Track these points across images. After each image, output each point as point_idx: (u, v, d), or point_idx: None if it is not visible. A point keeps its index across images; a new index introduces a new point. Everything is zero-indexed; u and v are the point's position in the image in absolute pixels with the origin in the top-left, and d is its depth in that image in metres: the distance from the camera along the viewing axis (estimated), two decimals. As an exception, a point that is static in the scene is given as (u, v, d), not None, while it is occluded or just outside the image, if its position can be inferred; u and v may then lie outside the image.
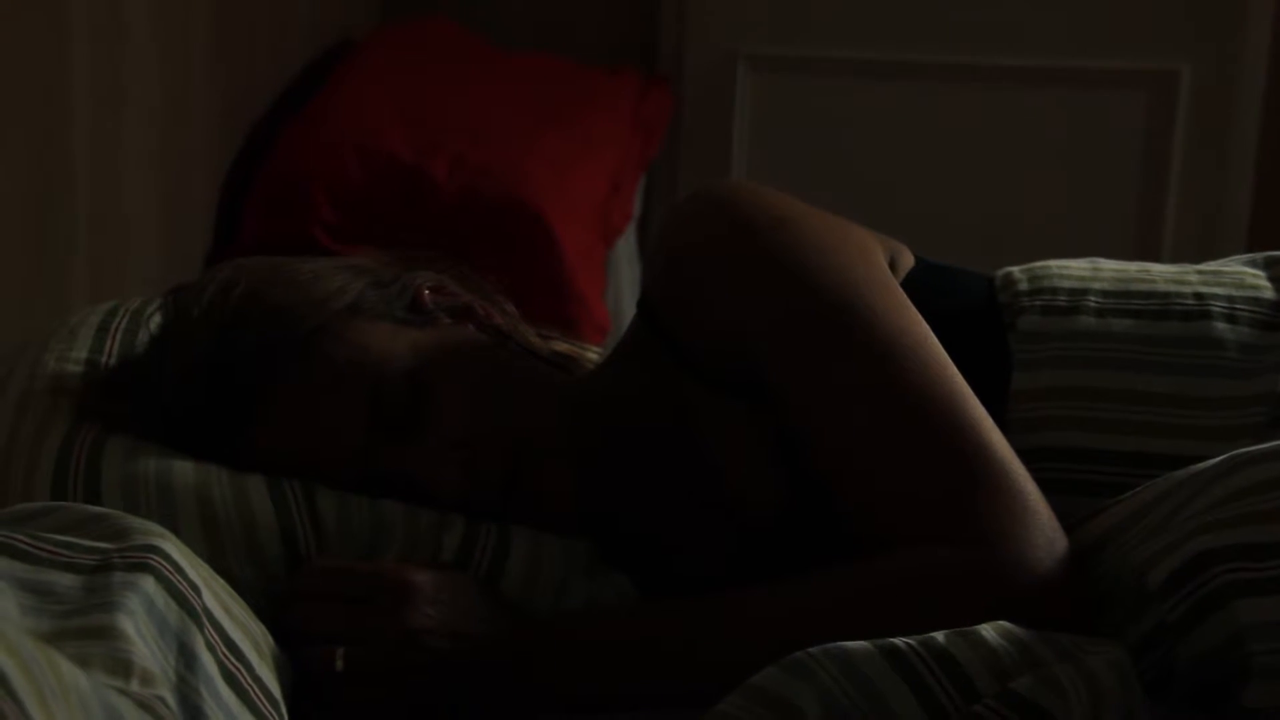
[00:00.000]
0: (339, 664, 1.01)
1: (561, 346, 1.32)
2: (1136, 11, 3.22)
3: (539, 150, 2.71)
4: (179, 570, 0.95)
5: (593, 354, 1.36)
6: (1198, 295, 1.19)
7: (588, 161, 2.77)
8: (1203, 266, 1.25)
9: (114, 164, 2.24)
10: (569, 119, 2.87)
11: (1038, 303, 1.19)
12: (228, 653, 0.94)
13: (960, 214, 3.29)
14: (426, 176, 2.59)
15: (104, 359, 1.24)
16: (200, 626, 0.92)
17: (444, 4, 3.28)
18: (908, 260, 1.22)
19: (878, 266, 1.15)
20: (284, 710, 0.97)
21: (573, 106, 2.92)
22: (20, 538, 0.95)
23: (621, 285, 2.87)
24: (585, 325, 2.51)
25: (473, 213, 2.55)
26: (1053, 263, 1.24)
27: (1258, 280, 1.21)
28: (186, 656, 0.89)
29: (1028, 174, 3.31)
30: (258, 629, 1.00)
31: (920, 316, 1.12)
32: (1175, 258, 3.15)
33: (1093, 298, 1.19)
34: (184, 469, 1.10)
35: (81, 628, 0.87)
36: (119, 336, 1.27)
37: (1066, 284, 1.21)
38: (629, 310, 1.23)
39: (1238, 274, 1.22)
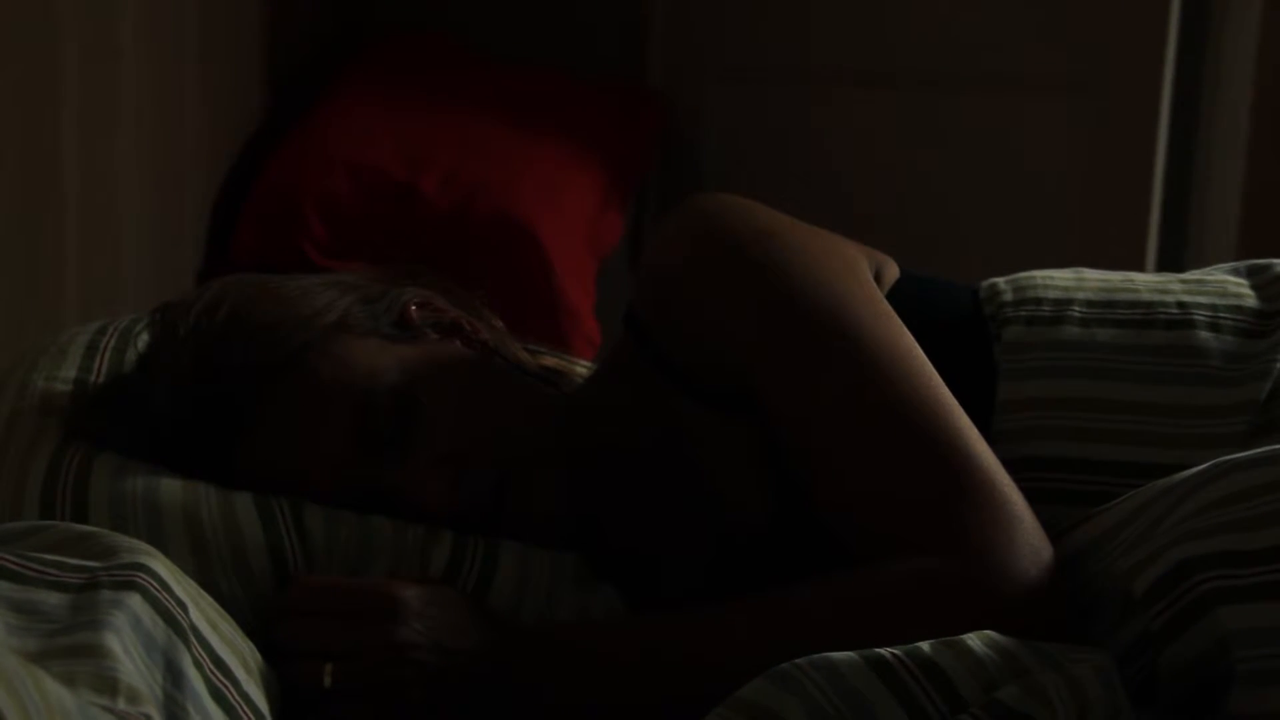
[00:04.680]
0: (327, 680, 1.01)
1: (549, 361, 1.33)
2: (1103, 17, 3.21)
3: (529, 165, 2.71)
4: (166, 588, 0.95)
5: (581, 368, 1.36)
6: (1181, 304, 1.20)
7: (578, 176, 2.78)
8: (1186, 275, 1.25)
9: (105, 182, 2.24)
10: (560, 133, 2.87)
11: (1022, 313, 1.20)
12: (215, 670, 0.94)
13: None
14: (417, 192, 2.59)
15: (93, 378, 1.24)
16: (187, 644, 0.92)
17: (435, 18, 3.28)
18: (893, 272, 1.23)
19: (862, 279, 1.16)
20: (272, 727, 0.97)
21: (563, 121, 2.92)
22: (7, 557, 0.95)
23: (613, 299, 2.87)
24: (576, 339, 2.51)
25: (464, 228, 2.55)
26: (1037, 273, 1.25)
27: (1240, 289, 1.22)
28: (174, 674, 0.90)
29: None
30: (245, 646, 1.00)
31: (905, 328, 1.12)
32: (1158, 268, 3.15)
33: (1077, 308, 1.20)
34: (171, 487, 1.10)
35: (68, 646, 0.87)
36: (108, 355, 1.27)
37: (1051, 294, 1.21)
38: (620, 324, 1.24)
39: (1220, 283, 1.22)
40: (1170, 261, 3.29)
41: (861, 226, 1.47)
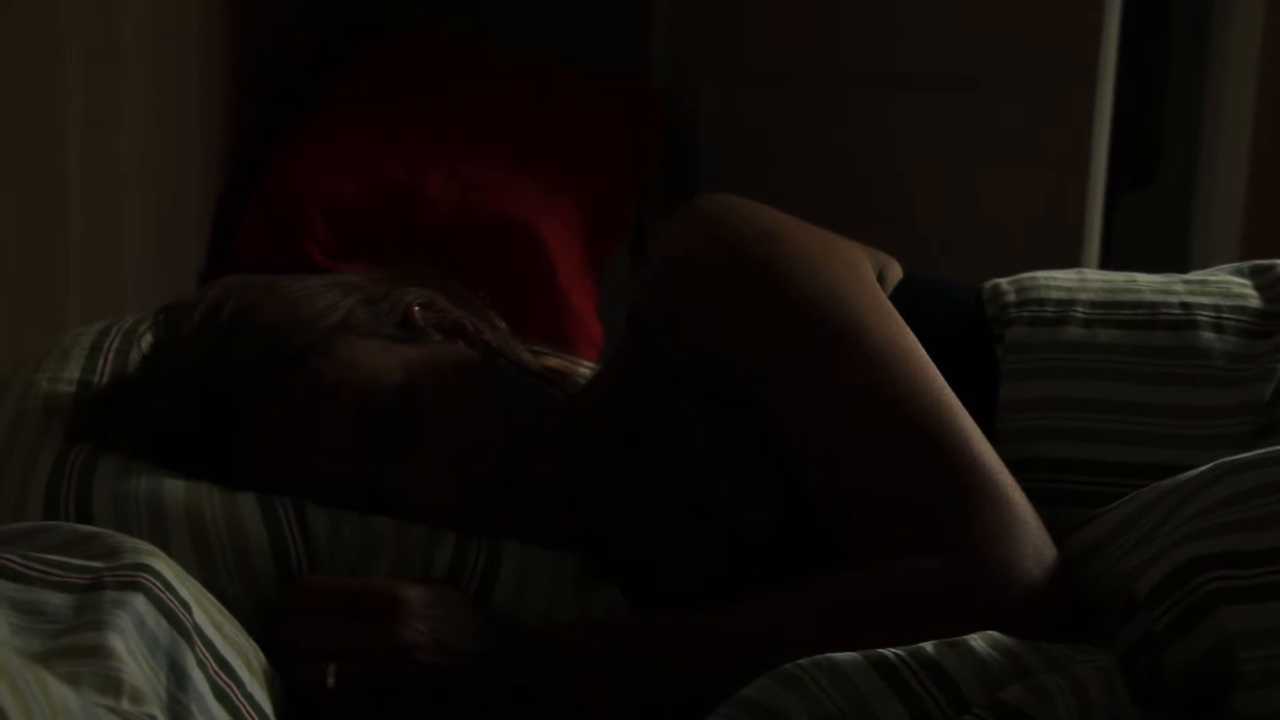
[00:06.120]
0: (330, 680, 1.01)
1: (552, 362, 1.33)
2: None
3: (532, 165, 2.71)
4: (170, 588, 0.95)
5: (584, 368, 1.36)
6: (1184, 305, 1.20)
7: (581, 176, 2.78)
8: (1189, 276, 1.25)
9: (108, 184, 2.24)
10: (562, 133, 2.87)
11: (1025, 314, 1.20)
12: (219, 670, 0.94)
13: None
14: (420, 193, 2.59)
15: (96, 378, 1.24)
16: (191, 644, 0.92)
17: (438, 18, 3.28)
18: (896, 273, 1.23)
19: (865, 279, 1.16)
20: (276, 727, 0.97)
21: (566, 121, 2.92)
22: (12, 557, 0.95)
23: (616, 299, 2.87)
24: (580, 340, 2.51)
25: (466, 228, 2.55)
26: (1040, 274, 1.25)
27: (1244, 289, 1.22)
28: (177, 674, 0.90)
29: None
30: (249, 646, 1.00)
31: (908, 328, 1.12)
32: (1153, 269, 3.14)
33: (1080, 308, 1.20)
34: (175, 487, 1.10)
35: (72, 647, 0.87)
36: (111, 356, 1.27)
37: (1054, 295, 1.21)
38: (623, 324, 1.24)
39: (1224, 283, 1.22)
40: (1173, 262, 3.28)
41: (863, 226, 1.47)
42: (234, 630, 1.00)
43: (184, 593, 0.96)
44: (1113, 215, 3.98)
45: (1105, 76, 3.15)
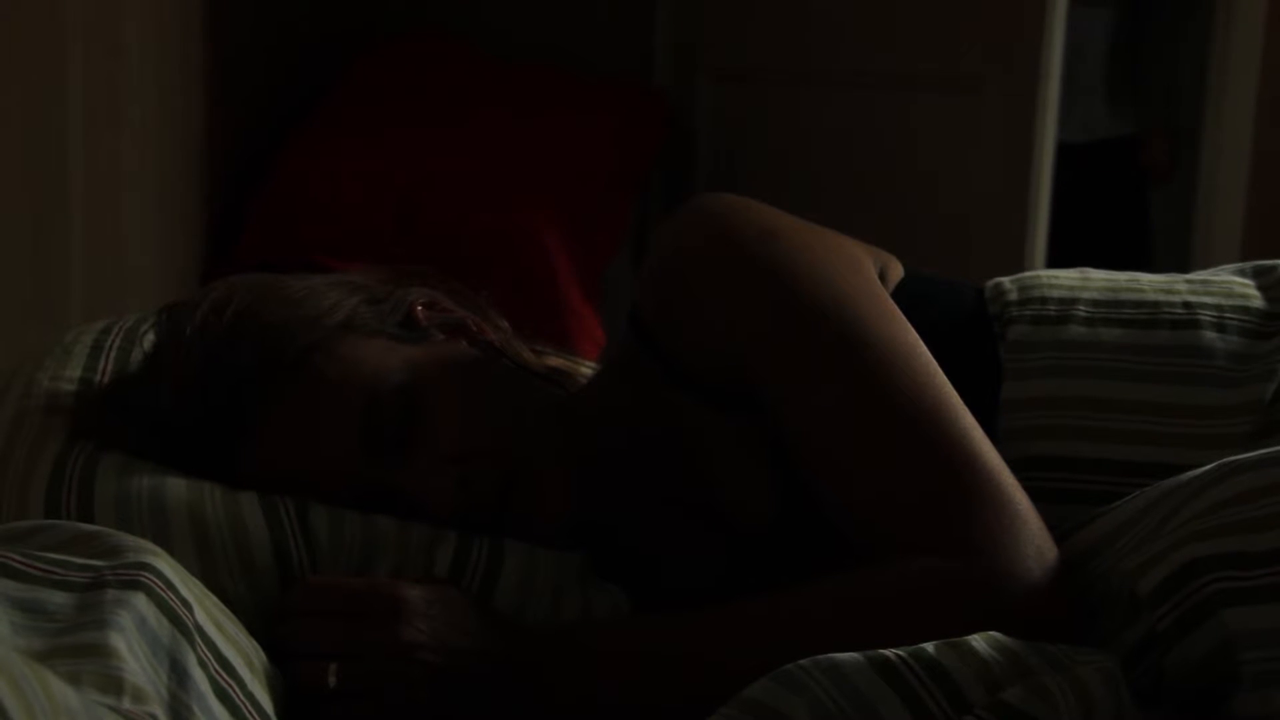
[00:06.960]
0: (332, 680, 1.01)
1: (555, 361, 1.33)
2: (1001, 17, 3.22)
3: (534, 164, 2.72)
4: (171, 587, 0.95)
5: (586, 368, 1.36)
6: (1187, 304, 1.20)
7: (582, 176, 2.78)
8: (1191, 276, 1.25)
9: (110, 184, 2.24)
10: (564, 132, 2.88)
11: (1028, 312, 1.20)
12: (220, 669, 0.94)
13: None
14: (422, 192, 2.60)
15: (98, 377, 1.24)
16: (192, 643, 0.92)
17: (442, 18, 3.28)
18: (897, 271, 1.23)
19: (867, 277, 1.16)
20: (277, 726, 0.97)
21: (568, 120, 2.92)
22: (13, 556, 0.95)
23: (618, 298, 2.88)
24: (581, 339, 2.52)
25: (468, 228, 2.56)
26: (1043, 273, 1.25)
27: (1246, 289, 1.22)
28: (178, 673, 0.90)
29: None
30: (250, 645, 1.00)
31: (910, 327, 1.12)
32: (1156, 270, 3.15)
33: (1082, 307, 1.20)
34: (177, 486, 1.10)
35: (73, 645, 0.87)
36: (113, 355, 1.27)
37: (1056, 294, 1.21)
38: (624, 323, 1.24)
39: (1226, 283, 1.23)
40: (1174, 262, 3.29)
41: (863, 225, 1.47)
42: (235, 629, 1.00)
43: (185, 592, 0.96)
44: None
45: (1049, 75, 3.16)
